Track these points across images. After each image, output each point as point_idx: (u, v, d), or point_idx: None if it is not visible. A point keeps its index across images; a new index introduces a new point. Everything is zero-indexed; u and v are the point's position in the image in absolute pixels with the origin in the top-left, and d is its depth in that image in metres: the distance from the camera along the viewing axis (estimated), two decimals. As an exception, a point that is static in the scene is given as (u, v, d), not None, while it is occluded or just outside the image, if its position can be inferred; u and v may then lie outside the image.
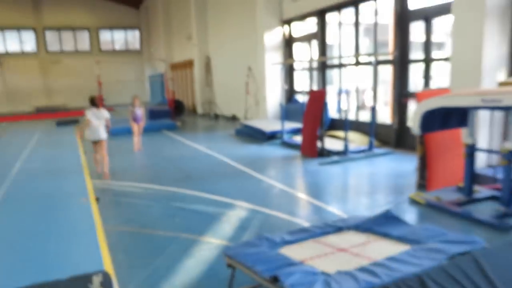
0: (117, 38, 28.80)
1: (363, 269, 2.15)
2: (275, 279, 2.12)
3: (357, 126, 9.19)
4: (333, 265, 2.32)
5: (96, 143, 6.87)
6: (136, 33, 29.02)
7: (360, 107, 9.63)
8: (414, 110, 4.81)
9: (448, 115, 4.98)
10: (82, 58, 27.18)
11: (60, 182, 6.19)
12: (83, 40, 27.76)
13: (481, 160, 5.60)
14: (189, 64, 19.91)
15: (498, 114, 5.63)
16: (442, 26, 7.67)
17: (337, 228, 3.01)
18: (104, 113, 6.80)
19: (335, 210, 4.83)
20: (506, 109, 3.95)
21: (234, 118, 15.01)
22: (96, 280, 2.68)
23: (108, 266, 3.33)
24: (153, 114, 14.95)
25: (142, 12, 28.20)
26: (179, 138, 11.38)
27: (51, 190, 5.62)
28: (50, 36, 26.80)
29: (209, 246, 3.91)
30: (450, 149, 5.35)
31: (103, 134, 6.82)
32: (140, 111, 9.42)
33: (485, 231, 3.99)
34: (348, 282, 2.00)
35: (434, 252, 2.25)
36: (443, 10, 6.67)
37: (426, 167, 5.34)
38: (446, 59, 6.69)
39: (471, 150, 4.66)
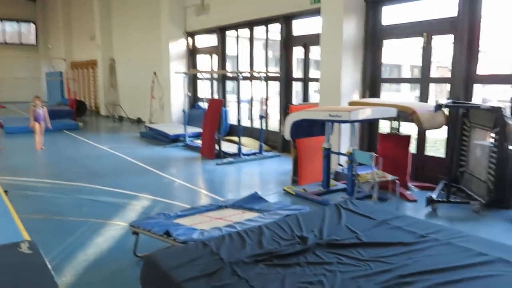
0: (9, 30, 26.92)
1: (227, 226, 3.22)
2: (167, 233, 3.08)
3: (251, 132, 10.49)
4: (209, 226, 3.36)
5: None
6: (32, 26, 27.44)
7: (261, 116, 10.90)
8: (285, 120, 6.12)
9: (312, 126, 6.42)
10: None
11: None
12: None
13: (341, 161, 7.16)
14: (91, 64, 19.69)
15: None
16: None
17: (218, 206, 4.08)
18: None
19: (227, 199, 5.90)
20: (344, 121, 5.41)
21: (139, 121, 15.44)
22: (24, 246, 3.35)
23: (28, 239, 3.95)
24: (53, 114, 14.64)
25: (39, 5, 26.79)
26: (82, 138, 11.61)
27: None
28: None
29: (116, 227, 4.70)
30: (316, 152, 6.77)
31: None
32: (41, 111, 9.70)
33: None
34: (215, 232, 3.05)
35: (275, 215, 3.42)
36: (317, 40, 8.22)
37: (298, 167, 6.73)
38: (317, 80, 8.25)
39: (327, 153, 6.10)
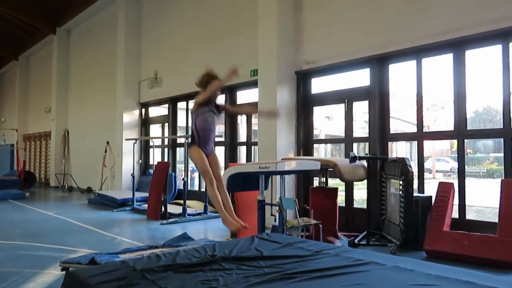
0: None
1: (150, 254, 3.54)
2: (93, 260, 3.35)
3: (200, 195, 10.82)
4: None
5: None
6: (-15, 101, 27.39)
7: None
8: (222, 175, 6.61)
9: (250, 180, 6.94)
10: None
11: None
12: None
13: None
14: (44, 136, 19.75)
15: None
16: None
17: (149, 246, 4.37)
18: None
19: (163, 251, 6.11)
20: (272, 173, 5.98)
21: (89, 190, 15.35)
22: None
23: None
24: (-1, 184, 14.47)
25: (-4, 79, 27.15)
26: (27, 206, 11.44)
27: None
28: None
29: (50, 275, 4.78)
30: (254, 206, 7.23)
31: None
32: None
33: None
34: (134, 258, 3.36)
35: (195, 245, 3.77)
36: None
37: (237, 220, 7.09)
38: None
39: (261, 205, 6.57)
